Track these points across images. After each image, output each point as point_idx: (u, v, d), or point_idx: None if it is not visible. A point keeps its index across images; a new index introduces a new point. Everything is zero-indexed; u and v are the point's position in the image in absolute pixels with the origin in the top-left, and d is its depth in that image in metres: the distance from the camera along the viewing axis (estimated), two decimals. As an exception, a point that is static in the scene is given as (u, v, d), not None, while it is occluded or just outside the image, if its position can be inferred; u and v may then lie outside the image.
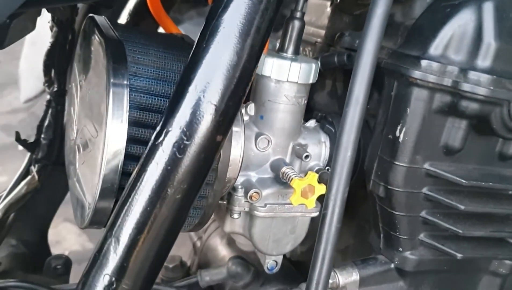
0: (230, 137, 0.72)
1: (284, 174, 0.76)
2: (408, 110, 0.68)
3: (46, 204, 1.11)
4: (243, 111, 0.79)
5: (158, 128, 0.56)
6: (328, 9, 0.97)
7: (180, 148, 0.54)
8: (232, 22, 0.56)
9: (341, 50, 0.87)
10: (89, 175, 0.67)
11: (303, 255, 1.00)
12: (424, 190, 0.73)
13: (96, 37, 0.71)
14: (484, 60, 0.65)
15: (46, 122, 1.04)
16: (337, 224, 0.61)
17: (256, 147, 0.78)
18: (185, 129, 0.55)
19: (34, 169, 1.03)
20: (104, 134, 0.61)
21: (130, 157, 0.63)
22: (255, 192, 0.77)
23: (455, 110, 0.67)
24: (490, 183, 0.71)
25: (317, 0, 1.10)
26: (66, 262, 1.06)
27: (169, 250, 0.59)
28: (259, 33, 0.58)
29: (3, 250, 1.06)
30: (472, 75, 0.65)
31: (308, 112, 0.90)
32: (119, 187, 0.63)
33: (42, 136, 1.05)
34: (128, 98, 0.62)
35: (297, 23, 0.77)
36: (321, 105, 0.95)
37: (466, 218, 0.73)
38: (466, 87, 0.65)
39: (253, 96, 0.80)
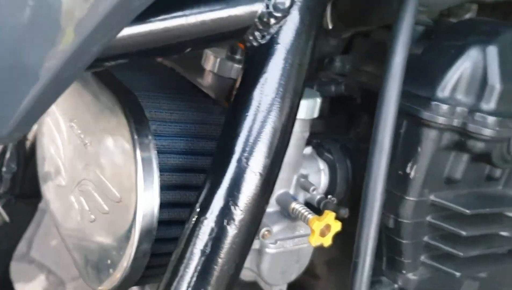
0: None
1: (295, 210, 0.77)
2: (419, 149, 0.71)
3: (8, 239, 1.02)
4: (246, 147, 0.78)
5: (201, 201, 0.54)
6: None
7: (232, 221, 0.53)
8: (272, 87, 0.54)
9: (333, 76, 0.88)
10: (111, 238, 0.63)
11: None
12: (428, 218, 0.77)
13: (94, 82, 0.66)
14: (489, 102, 0.69)
15: (8, 154, 0.94)
16: (369, 272, 0.64)
17: (262, 183, 0.78)
18: (235, 202, 0.53)
19: (-1, 205, 0.94)
20: (134, 203, 0.57)
21: (163, 223, 0.60)
22: (267, 230, 0.76)
23: (461, 147, 0.72)
24: (488, 209, 0.77)
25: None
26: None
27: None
28: (298, 96, 0.57)
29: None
30: (478, 117, 0.68)
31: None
32: (151, 254, 0.60)
33: (4, 169, 0.95)
34: (157, 162, 0.58)
35: (300, 58, 0.76)
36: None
37: (464, 240, 0.79)
38: (473, 128, 0.68)
39: (256, 132, 0.79)
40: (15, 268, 1.90)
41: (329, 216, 0.73)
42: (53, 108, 0.79)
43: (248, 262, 0.82)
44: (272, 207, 0.80)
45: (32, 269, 2.28)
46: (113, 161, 0.62)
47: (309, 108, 0.75)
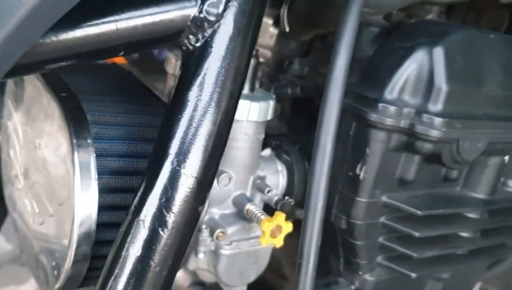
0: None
1: (249, 211, 0.77)
2: (367, 150, 0.71)
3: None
4: (202, 149, 0.78)
5: (135, 203, 0.54)
6: (271, 29, 0.98)
7: (164, 224, 0.53)
8: (207, 90, 0.55)
9: (292, 79, 0.88)
10: (55, 241, 0.64)
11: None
12: (382, 219, 0.77)
13: (42, 86, 0.67)
14: (436, 103, 0.69)
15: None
16: (313, 272, 0.64)
17: (218, 185, 0.78)
18: (167, 205, 0.53)
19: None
20: (72, 206, 0.58)
21: (103, 225, 0.60)
22: (221, 232, 0.77)
23: (410, 148, 0.72)
24: (441, 210, 0.77)
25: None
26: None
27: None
28: (233, 98, 0.57)
29: None
30: (426, 118, 0.69)
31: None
32: (92, 256, 0.61)
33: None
34: (95, 165, 0.59)
35: (252, 61, 0.76)
36: (270, 128, 0.96)
37: (419, 240, 0.79)
38: (420, 129, 0.69)
39: (211, 134, 0.79)
40: (8, 271, 1.90)
41: (279, 217, 0.74)
42: (12, 112, 0.80)
43: (205, 263, 0.82)
44: (228, 209, 0.81)
45: (25, 272, 2.30)
46: (56, 164, 0.62)
47: (262, 110, 0.76)
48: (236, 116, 0.75)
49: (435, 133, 0.69)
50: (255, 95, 0.78)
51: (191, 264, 0.82)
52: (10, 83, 0.81)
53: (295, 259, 1.05)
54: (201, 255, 0.79)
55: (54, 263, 0.64)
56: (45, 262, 0.67)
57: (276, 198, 0.83)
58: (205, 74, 0.55)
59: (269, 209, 0.82)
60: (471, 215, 0.86)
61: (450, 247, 0.84)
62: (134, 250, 0.53)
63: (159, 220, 0.53)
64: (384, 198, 0.75)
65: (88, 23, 0.51)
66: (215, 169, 0.57)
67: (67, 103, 0.61)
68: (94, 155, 0.59)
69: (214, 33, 0.56)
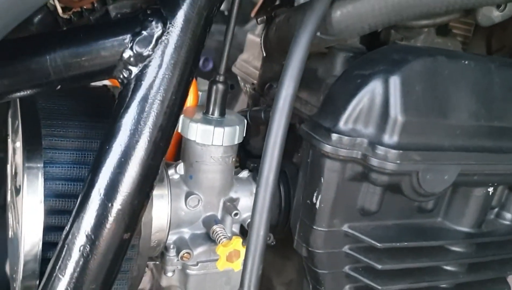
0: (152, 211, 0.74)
1: (214, 232, 0.79)
2: (322, 179, 0.70)
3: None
4: (172, 170, 0.81)
5: (67, 228, 0.58)
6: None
7: (86, 251, 0.57)
8: (136, 122, 0.58)
9: (270, 103, 0.89)
10: (15, 255, 0.70)
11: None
12: (345, 248, 0.76)
13: (17, 111, 0.72)
14: (391, 135, 0.67)
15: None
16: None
17: (187, 206, 0.80)
18: (90, 233, 0.57)
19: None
20: (21, 225, 0.63)
21: (50, 244, 0.65)
22: (186, 252, 0.79)
23: (367, 179, 0.70)
24: (405, 243, 0.74)
25: (254, 37, 1.11)
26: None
27: None
28: (162, 130, 0.59)
29: None
30: (380, 150, 0.66)
31: (247, 156, 0.93)
32: (40, 272, 0.66)
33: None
34: (43, 187, 0.64)
35: (220, 87, 0.78)
36: (257, 149, 0.97)
37: (386, 272, 0.77)
38: (374, 162, 0.67)
39: (182, 156, 0.82)
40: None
41: (235, 242, 0.75)
42: (10, 130, 0.88)
43: (177, 281, 0.85)
44: (199, 229, 0.83)
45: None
46: (17, 185, 0.68)
47: (227, 135, 0.77)
48: (202, 141, 0.78)
49: (389, 166, 0.66)
50: (225, 119, 0.80)
51: (163, 282, 0.85)
52: (11, 103, 0.89)
53: (286, 279, 1.05)
54: (169, 274, 0.82)
55: (14, 275, 0.69)
56: (11, 274, 0.73)
57: (249, 220, 0.84)
58: (135, 106, 0.58)
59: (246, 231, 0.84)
60: (453, 247, 0.81)
61: (427, 280, 0.80)
62: (62, 273, 0.57)
63: (83, 247, 0.57)
64: (345, 228, 0.74)
65: (22, 60, 0.55)
66: (144, 199, 0.60)
67: (26, 128, 0.67)
68: (43, 178, 0.64)
69: (145, 67, 0.58)
